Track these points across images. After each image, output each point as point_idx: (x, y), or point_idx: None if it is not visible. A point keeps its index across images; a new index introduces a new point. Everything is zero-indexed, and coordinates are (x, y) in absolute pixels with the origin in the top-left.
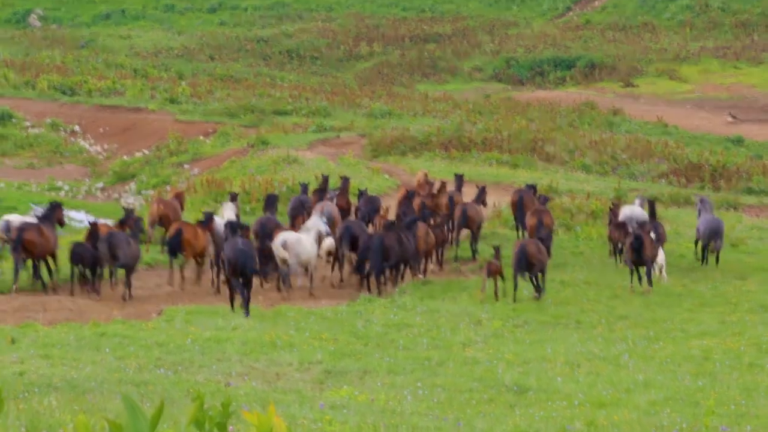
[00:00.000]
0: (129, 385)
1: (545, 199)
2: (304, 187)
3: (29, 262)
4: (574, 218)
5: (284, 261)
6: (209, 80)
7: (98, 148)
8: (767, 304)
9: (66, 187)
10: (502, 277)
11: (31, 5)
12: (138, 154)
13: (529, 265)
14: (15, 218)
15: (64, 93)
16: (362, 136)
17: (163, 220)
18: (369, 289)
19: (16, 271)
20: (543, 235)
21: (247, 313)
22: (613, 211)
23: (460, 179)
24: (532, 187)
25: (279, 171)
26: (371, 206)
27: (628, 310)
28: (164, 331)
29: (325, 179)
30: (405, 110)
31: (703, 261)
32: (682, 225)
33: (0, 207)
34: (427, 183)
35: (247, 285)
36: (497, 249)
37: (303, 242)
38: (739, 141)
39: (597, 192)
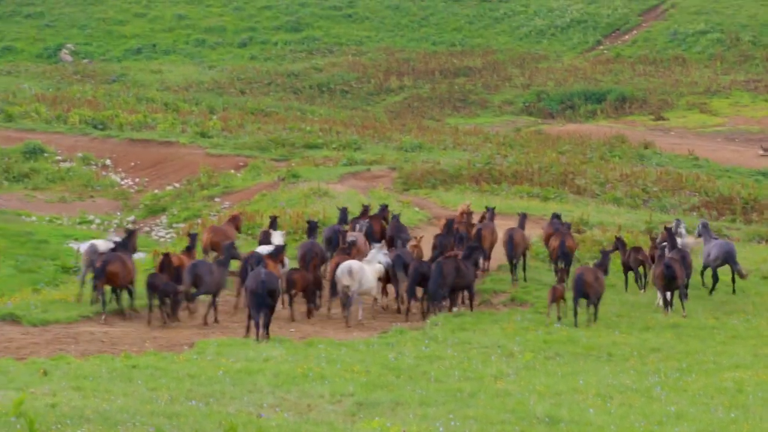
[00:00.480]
0: (161, 417)
1: (567, 227)
2: (344, 212)
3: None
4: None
5: (346, 288)
6: (240, 114)
7: (129, 182)
8: None
9: (97, 221)
10: (565, 302)
11: (63, 40)
12: (169, 188)
13: (584, 293)
14: (101, 243)
15: (95, 127)
16: (393, 170)
17: (215, 248)
18: (424, 313)
19: (103, 302)
20: (601, 262)
21: (258, 338)
22: (620, 240)
23: (491, 212)
24: (557, 216)
25: (309, 204)
26: (405, 235)
27: (660, 343)
28: (196, 363)
29: (366, 208)
30: (435, 144)
31: (714, 285)
32: None
33: (32, 240)
34: (468, 215)
35: (267, 314)
36: (561, 273)
37: (366, 272)
38: None
39: (628, 225)
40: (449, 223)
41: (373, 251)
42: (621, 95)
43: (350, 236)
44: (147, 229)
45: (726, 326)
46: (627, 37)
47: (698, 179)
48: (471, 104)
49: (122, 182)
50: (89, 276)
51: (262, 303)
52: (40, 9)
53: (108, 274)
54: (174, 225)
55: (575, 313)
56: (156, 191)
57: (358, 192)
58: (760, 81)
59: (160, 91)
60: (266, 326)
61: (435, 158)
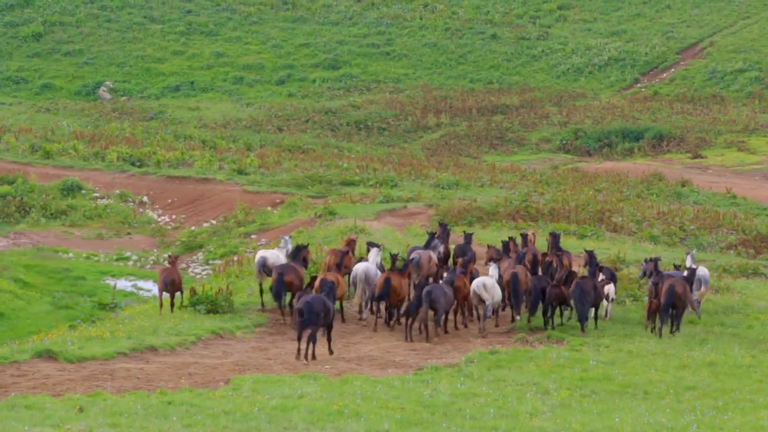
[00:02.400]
0: None
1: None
2: (432, 236)
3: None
4: (641, 288)
5: (481, 301)
6: (277, 151)
7: (166, 219)
8: None
9: (134, 257)
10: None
11: (101, 78)
12: (206, 225)
13: (674, 304)
14: (270, 254)
15: (133, 164)
16: (429, 207)
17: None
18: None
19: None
20: (688, 275)
21: (311, 357)
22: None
23: (556, 238)
24: (555, 236)
25: None
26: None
27: (696, 381)
28: (231, 400)
29: (443, 227)
30: (472, 181)
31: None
32: (752, 296)
33: (69, 277)
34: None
35: (326, 331)
36: (656, 288)
37: (497, 286)
38: None
39: (665, 263)
40: (506, 244)
41: (492, 268)
42: (658, 133)
43: (413, 255)
44: (183, 265)
45: (763, 364)
46: (665, 75)
47: (736, 217)
48: (508, 142)
49: (159, 219)
50: (267, 284)
51: (306, 322)
52: (79, 47)
53: (285, 282)
54: (210, 261)
55: (662, 322)
56: (193, 228)
57: (394, 229)
58: None
59: (197, 129)
60: (310, 342)
61: (472, 196)
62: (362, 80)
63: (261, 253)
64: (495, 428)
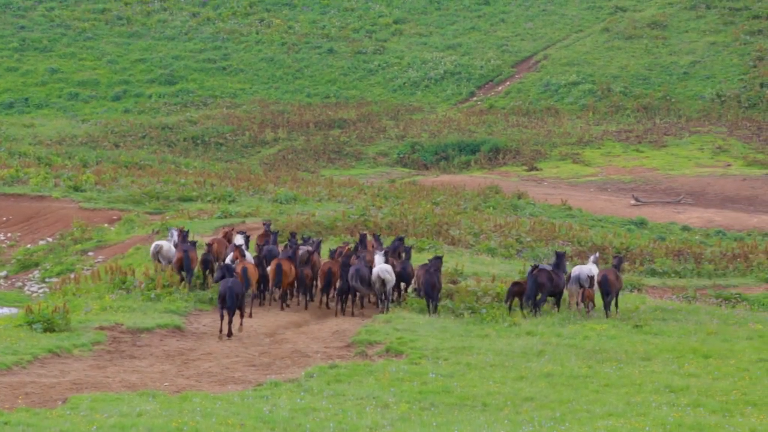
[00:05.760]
0: None
1: (401, 239)
2: (273, 236)
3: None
4: (479, 301)
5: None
6: (114, 167)
7: (1, 237)
8: (671, 384)
9: None
10: (593, 303)
11: None
12: (42, 243)
13: (609, 291)
14: (165, 243)
15: None
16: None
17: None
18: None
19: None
20: (616, 263)
21: (229, 335)
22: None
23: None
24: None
25: None
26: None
27: (534, 392)
28: (69, 419)
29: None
30: (310, 195)
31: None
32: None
33: None
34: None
35: (233, 314)
36: (592, 278)
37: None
38: (642, 223)
39: (502, 275)
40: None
41: (378, 257)
42: (494, 146)
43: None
44: (19, 284)
45: (599, 375)
46: (500, 88)
47: (571, 229)
48: (346, 156)
49: None
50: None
51: (229, 305)
52: None
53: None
54: (47, 279)
55: (605, 306)
56: (29, 246)
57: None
58: (631, 131)
59: (32, 145)
60: (231, 323)
61: (310, 210)
62: (199, 95)
63: (157, 242)
64: None
